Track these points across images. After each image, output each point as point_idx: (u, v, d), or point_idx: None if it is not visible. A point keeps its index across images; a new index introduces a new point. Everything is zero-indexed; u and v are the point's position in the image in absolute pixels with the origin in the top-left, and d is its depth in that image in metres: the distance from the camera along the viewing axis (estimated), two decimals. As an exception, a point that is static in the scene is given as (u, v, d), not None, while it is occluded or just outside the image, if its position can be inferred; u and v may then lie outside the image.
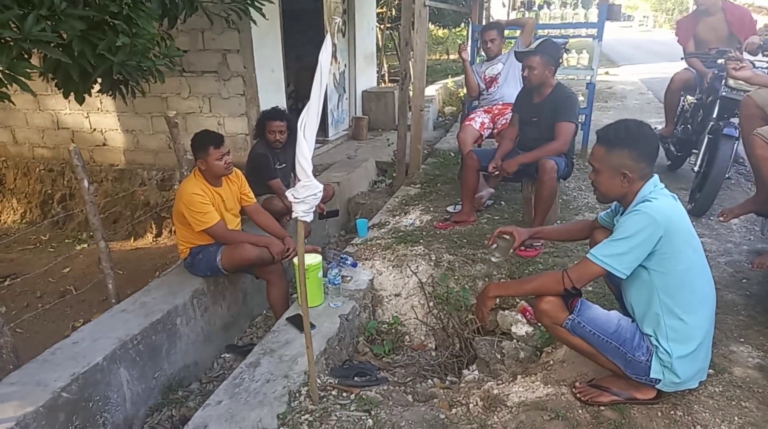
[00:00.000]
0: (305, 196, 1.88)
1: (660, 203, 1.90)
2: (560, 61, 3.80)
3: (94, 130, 6.42)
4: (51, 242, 6.33)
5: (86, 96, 2.97)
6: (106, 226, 5.87)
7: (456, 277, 3.39)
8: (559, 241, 2.46)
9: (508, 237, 2.42)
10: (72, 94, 2.89)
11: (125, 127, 6.26)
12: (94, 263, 5.18)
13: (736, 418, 1.98)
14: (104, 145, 6.46)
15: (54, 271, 5.19)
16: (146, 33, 2.73)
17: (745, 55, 3.64)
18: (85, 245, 6.05)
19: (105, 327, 2.86)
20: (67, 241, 6.33)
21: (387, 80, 10.76)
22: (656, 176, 2.01)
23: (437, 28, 17.10)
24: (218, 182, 3.29)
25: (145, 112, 6.05)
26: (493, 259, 2.48)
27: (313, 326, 2.72)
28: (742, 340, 2.44)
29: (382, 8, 10.88)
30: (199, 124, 5.56)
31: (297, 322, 2.85)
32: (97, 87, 3.02)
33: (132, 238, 6.18)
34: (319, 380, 2.45)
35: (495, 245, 2.47)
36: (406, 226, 4.07)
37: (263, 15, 4.27)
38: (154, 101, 5.85)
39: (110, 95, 3.25)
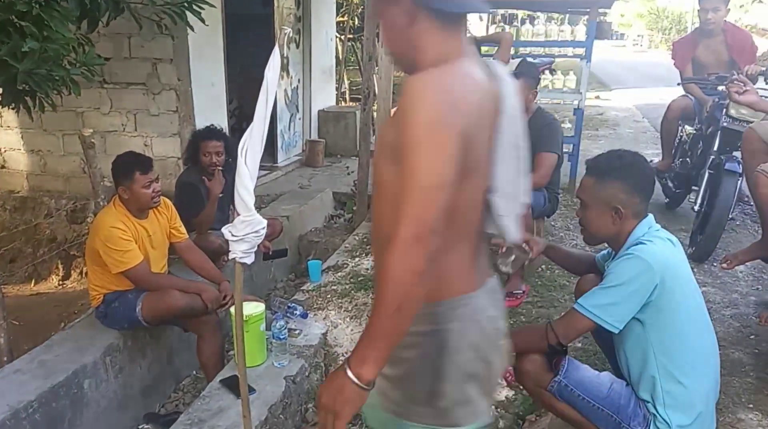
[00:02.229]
0: (245, 233, 1.85)
1: (655, 247, 1.95)
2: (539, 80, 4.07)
3: (-8, 149, 6.27)
4: (-71, 285, 6.06)
5: (-17, 109, 2.91)
6: (0, 267, 5.64)
7: (424, 331, 3.38)
8: (563, 266, 2.53)
9: (526, 246, 2.36)
10: (-35, 106, 2.83)
11: (30, 146, 6.13)
12: (-17, 312, 4.97)
13: (745, 498, 2.01)
14: (2, 167, 6.29)
15: (-69, 321, 4.95)
16: (60, 37, 2.71)
17: None
18: (-27, 289, 5.81)
19: (-8, 392, 2.74)
20: (-51, 283, 6.07)
21: (348, 99, 10.91)
22: (651, 216, 2.08)
23: (406, 40, 17.53)
24: (144, 214, 3.24)
25: (56, 130, 5.93)
26: (503, 268, 2.46)
27: (252, 390, 2.66)
28: (751, 405, 2.50)
29: (343, 17, 11.08)
30: (121, 145, 5.48)
31: (233, 385, 2.78)
32: (-4, 99, 2.97)
33: (33, 281, 5.96)
34: (257, 457, 2.38)
35: (513, 257, 2.43)
36: (367, 269, 4.07)
37: (202, 20, 4.30)
38: (68, 117, 5.74)
39: (13, 109, 3.19)
